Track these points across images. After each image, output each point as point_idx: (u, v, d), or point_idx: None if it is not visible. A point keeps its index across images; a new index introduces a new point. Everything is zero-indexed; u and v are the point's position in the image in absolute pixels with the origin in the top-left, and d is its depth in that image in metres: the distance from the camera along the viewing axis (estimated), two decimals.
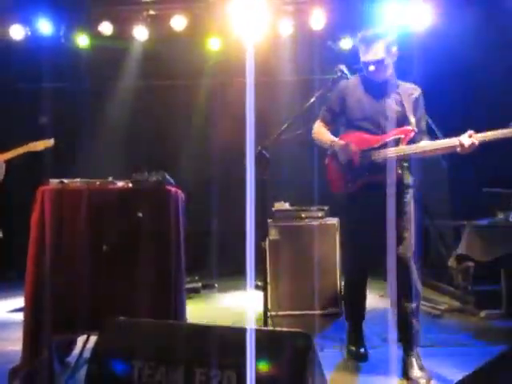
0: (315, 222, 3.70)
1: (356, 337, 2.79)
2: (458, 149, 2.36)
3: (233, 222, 5.66)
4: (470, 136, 2.33)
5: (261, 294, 2.42)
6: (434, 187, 5.03)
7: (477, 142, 2.33)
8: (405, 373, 2.45)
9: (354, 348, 2.75)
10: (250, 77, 2.85)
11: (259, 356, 1.41)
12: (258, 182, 2.41)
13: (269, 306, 2.56)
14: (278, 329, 1.59)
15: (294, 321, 3.43)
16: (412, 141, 2.47)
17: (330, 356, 2.72)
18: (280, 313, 3.43)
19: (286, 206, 3.91)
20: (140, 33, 5.52)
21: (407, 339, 2.50)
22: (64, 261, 2.32)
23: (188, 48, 5.69)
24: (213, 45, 5.62)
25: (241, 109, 2.77)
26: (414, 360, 2.44)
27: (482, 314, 3.63)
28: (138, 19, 5.49)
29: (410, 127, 2.47)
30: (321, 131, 2.70)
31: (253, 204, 2.06)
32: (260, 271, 2.50)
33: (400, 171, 2.47)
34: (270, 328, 2.32)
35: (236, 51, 5.02)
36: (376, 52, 2.46)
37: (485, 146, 2.38)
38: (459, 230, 4.01)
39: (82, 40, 5.61)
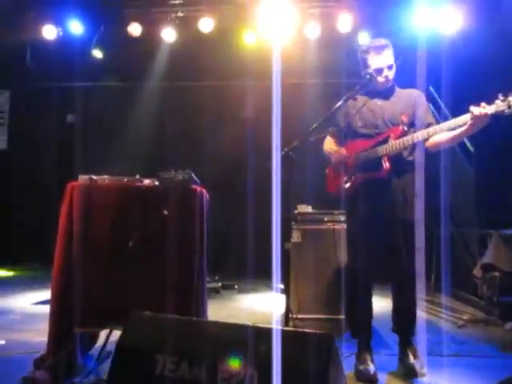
0: (338, 226, 3.67)
1: (364, 355, 2.61)
2: (442, 142, 2.53)
3: (254, 223, 5.70)
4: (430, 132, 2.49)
5: (281, 295, 2.42)
6: (460, 194, 4.94)
7: (488, 112, 2.30)
8: (401, 361, 2.64)
9: (361, 368, 2.55)
10: (276, 79, 2.87)
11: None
12: (282, 184, 2.42)
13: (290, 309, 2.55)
14: (302, 329, 1.59)
15: (314, 324, 3.41)
16: (402, 137, 2.60)
17: (349, 360, 2.69)
18: (300, 316, 3.41)
19: (309, 208, 3.89)
20: (168, 34, 5.60)
21: (405, 329, 2.68)
22: (90, 255, 2.36)
23: (215, 50, 5.75)
24: (240, 47, 5.66)
25: (267, 111, 2.79)
26: (410, 350, 2.62)
27: (507, 325, 3.54)
28: (166, 21, 5.58)
29: (399, 126, 2.63)
30: (327, 144, 2.90)
31: (278, 206, 2.07)
32: (282, 273, 2.50)
33: (388, 166, 2.60)
34: (294, 328, 2.32)
35: (263, 54, 5.04)
36: (387, 57, 2.67)
37: None
38: (485, 239, 3.93)
39: (112, 41, 5.73)
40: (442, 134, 2.50)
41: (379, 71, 2.65)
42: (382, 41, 2.69)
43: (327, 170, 2.91)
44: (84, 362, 2.49)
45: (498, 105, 2.27)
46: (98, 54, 5.81)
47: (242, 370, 1.45)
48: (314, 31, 5.36)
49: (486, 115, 2.29)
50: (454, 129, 2.46)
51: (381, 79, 2.65)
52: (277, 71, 2.89)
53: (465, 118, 2.36)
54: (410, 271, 2.62)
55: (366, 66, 2.69)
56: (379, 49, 2.66)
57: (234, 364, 1.47)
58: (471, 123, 2.34)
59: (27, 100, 6.43)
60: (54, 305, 2.36)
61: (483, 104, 2.30)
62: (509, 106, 2.24)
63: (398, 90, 2.76)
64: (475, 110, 2.30)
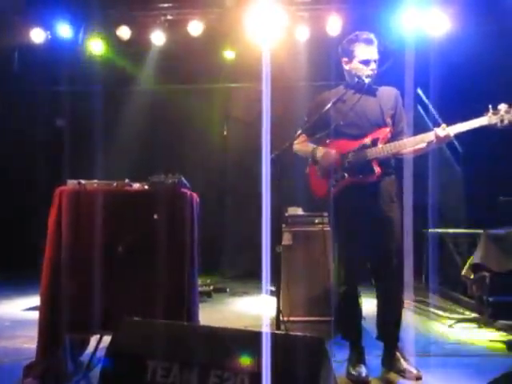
0: (328, 228, 3.68)
1: (355, 358, 2.59)
2: (435, 141, 2.47)
3: (245, 226, 5.69)
4: (444, 128, 2.44)
5: (273, 298, 2.42)
6: (449, 195, 4.98)
7: (451, 134, 2.43)
8: (394, 366, 2.58)
9: (353, 371, 2.53)
10: (266, 82, 2.87)
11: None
12: (272, 187, 2.42)
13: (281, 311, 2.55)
14: (292, 333, 1.59)
15: (306, 326, 3.41)
16: (390, 141, 2.57)
17: (341, 363, 2.69)
18: (292, 318, 3.42)
19: (300, 211, 3.90)
20: (157, 37, 5.59)
21: (393, 336, 2.63)
22: (79, 261, 2.35)
23: (204, 53, 5.74)
24: (229, 50, 5.67)
25: (257, 114, 2.80)
26: (399, 354, 2.61)
27: (498, 324, 3.57)
28: (155, 24, 5.57)
29: (386, 128, 2.58)
30: (302, 143, 2.74)
31: (268, 209, 2.07)
32: (273, 276, 2.50)
33: (380, 170, 2.55)
34: (284, 332, 2.31)
35: (252, 56, 5.05)
36: (374, 52, 2.65)
37: (502, 154, 2.43)
38: (475, 239, 3.96)
39: (100, 44, 5.71)
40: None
41: (366, 63, 2.60)
42: (370, 35, 2.65)
43: (309, 170, 2.76)
44: (74, 369, 2.47)
45: (491, 118, 2.37)
46: (87, 57, 5.78)
47: (233, 374, 1.45)
48: (303, 34, 5.39)
49: (448, 137, 2.42)
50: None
51: (367, 72, 2.58)
52: (266, 74, 2.89)
53: (429, 136, 2.47)
54: (398, 277, 2.63)
55: (352, 56, 2.63)
56: (368, 41, 2.62)
57: (226, 368, 1.47)
58: (434, 142, 2.46)
59: (15, 104, 6.37)
60: (43, 311, 2.34)
61: (443, 125, 2.43)
62: (501, 121, 2.35)
63: (378, 87, 2.69)
64: (439, 130, 2.42)
